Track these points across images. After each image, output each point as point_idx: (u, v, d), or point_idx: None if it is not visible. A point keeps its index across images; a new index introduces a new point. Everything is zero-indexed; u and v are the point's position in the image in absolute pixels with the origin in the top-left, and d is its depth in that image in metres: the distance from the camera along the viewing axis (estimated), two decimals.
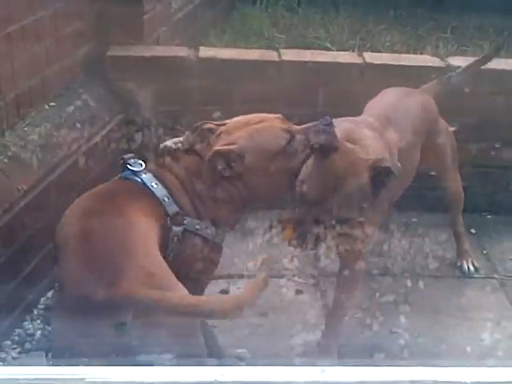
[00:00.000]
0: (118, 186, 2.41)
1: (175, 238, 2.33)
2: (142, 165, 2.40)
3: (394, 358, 2.80)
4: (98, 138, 3.34)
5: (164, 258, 2.21)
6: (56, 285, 2.34)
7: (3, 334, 2.72)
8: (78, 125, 3.26)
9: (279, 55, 3.78)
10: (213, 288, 3.02)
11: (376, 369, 1.27)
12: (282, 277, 2.89)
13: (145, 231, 2.21)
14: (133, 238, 2.14)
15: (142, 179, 2.36)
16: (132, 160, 2.41)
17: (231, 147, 2.36)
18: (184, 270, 2.30)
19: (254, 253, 2.63)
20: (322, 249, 2.66)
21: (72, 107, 3.35)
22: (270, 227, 2.61)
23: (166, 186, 2.36)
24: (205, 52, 3.78)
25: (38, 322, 2.87)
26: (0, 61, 2.86)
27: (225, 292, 3.01)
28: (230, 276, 2.77)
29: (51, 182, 2.95)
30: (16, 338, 2.78)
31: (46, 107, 3.22)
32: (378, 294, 3.15)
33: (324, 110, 3.68)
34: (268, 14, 5.32)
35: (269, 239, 2.64)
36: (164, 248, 2.28)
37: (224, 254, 2.57)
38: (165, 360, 1.87)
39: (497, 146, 3.84)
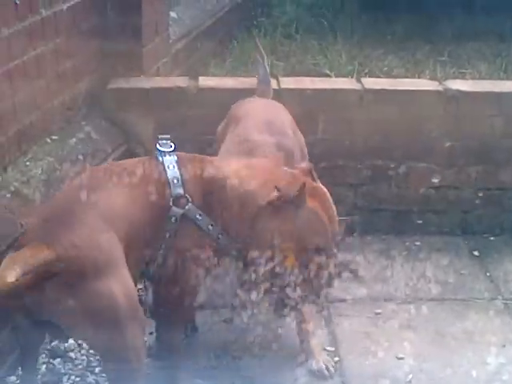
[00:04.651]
0: (137, 162, 2.54)
1: (173, 219, 2.44)
2: (171, 146, 2.54)
3: None
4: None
5: (159, 237, 2.41)
6: None
7: (8, 369, 2.71)
8: (81, 157, 3.28)
9: (278, 83, 3.81)
10: (216, 318, 3.06)
11: None
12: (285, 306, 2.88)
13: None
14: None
15: (162, 159, 2.49)
16: (164, 141, 2.55)
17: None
18: (178, 258, 2.46)
19: (256, 283, 2.63)
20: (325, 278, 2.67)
21: (74, 140, 3.38)
22: (272, 256, 2.62)
23: (183, 172, 2.47)
24: (204, 81, 3.82)
25: (43, 356, 2.87)
26: (1, 96, 2.89)
27: (229, 321, 3.02)
28: (233, 307, 2.77)
29: None
30: (20, 372, 2.77)
31: (48, 141, 3.24)
32: (381, 320, 3.16)
33: (324, 137, 3.71)
34: (267, 41, 5.38)
35: (271, 268, 2.64)
36: (159, 226, 2.42)
37: (227, 284, 2.59)
38: None
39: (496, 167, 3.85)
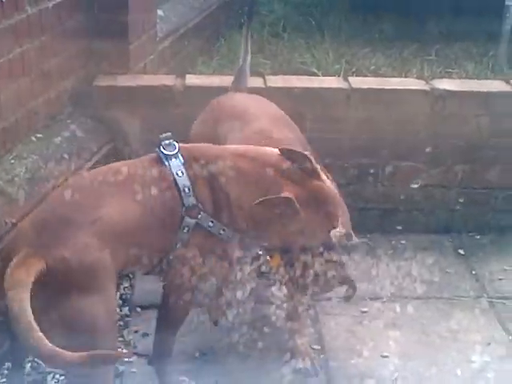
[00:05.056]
0: (141, 169, 2.39)
1: (185, 229, 2.37)
2: (175, 147, 2.42)
3: (384, 382, 2.80)
4: (85, 170, 3.34)
5: (168, 247, 2.36)
6: None
7: None
8: (66, 156, 3.26)
9: (265, 81, 3.80)
10: (201, 317, 3.06)
11: None
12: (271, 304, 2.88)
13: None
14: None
15: (170, 165, 2.38)
16: (167, 141, 2.42)
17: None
18: (190, 265, 2.40)
19: (242, 281, 2.63)
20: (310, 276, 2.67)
21: (59, 138, 3.36)
22: (258, 255, 2.62)
23: (190, 176, 2.37)
24: (191, 80, 3.81)
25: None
26: None
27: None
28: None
29: None
30: (5, 371, 2.76)
31: (33, 139, 3.23)
32: (367, 319, 3.17)
33: (311, 135, 3.70)
34: (253, 39, 5.36)
35: (257, 267, 2.65)
36: (172, 236, 2.36)
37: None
38: None
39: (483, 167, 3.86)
